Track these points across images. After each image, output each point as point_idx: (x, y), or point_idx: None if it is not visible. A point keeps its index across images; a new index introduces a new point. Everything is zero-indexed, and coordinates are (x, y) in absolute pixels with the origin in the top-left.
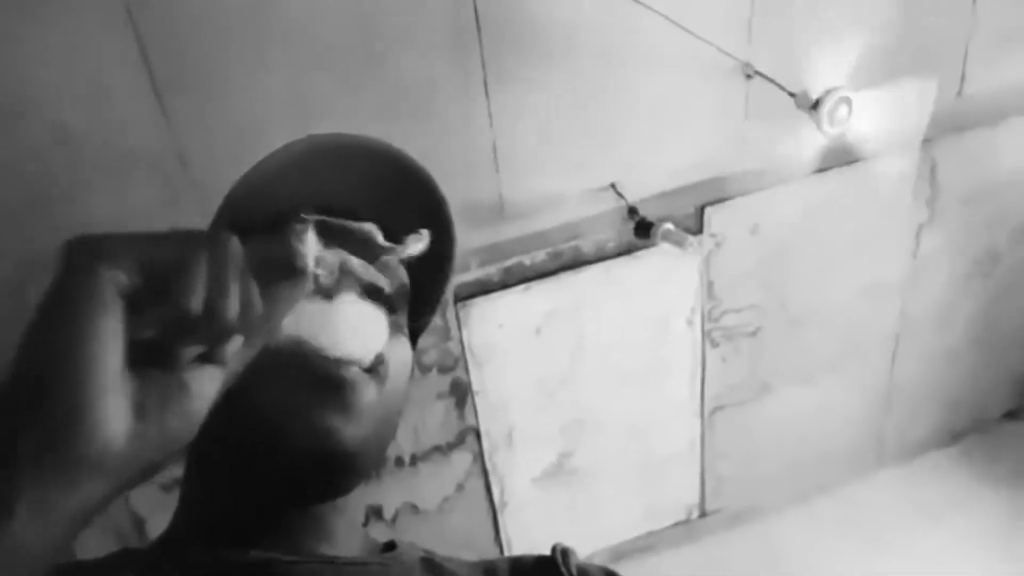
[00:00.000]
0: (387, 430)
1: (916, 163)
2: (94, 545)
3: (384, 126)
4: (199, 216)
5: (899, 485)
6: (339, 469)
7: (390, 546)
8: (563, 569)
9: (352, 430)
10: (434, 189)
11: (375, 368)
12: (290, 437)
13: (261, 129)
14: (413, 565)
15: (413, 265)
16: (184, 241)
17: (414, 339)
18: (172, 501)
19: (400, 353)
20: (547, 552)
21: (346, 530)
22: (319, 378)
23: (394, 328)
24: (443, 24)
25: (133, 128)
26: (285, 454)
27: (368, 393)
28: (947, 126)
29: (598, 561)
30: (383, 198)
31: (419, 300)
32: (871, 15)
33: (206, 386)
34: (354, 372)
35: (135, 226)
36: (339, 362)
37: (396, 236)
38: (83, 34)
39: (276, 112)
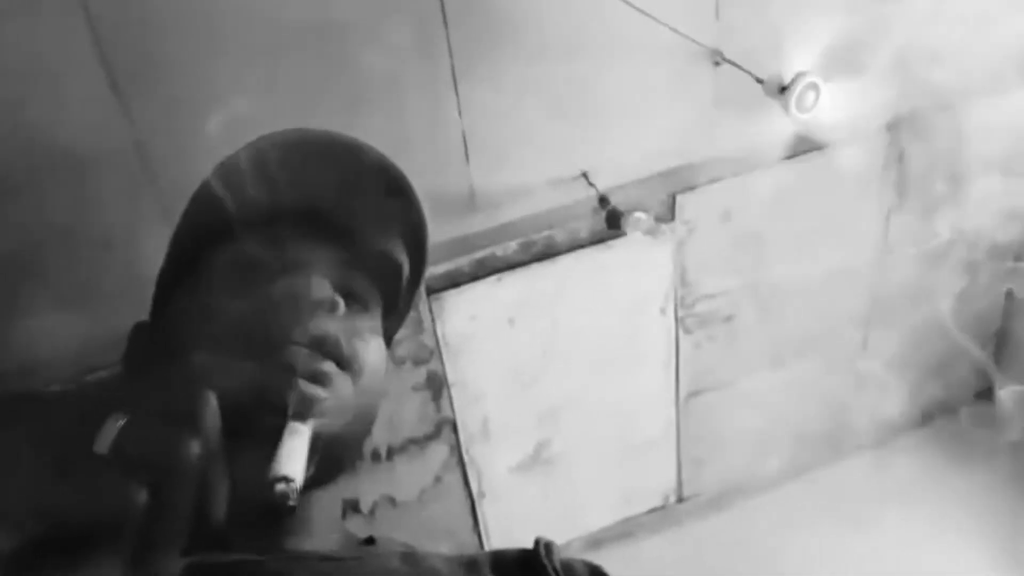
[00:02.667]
0: (362, 426)
1: (885, 148)
2: None
3: (351, 116)
4: (160, 211)
5: (873, 466)
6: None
7: (369, 541)
8: (546, 563)
9: (327, 422)
10: (405, 187)
11: (350, 364)
12: (263, 422)
13: (223, 122)
14: (390, 558)
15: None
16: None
17: (389, 338)
18: None
19: (374, 351)
20: (528, 544)
21: (323, 524)
22: (297, 370)
23: (368, 326)
24: (409, 11)
25: (90, 122)
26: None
27: (344, 388)
28: (915, 110)
29: (576, 548)
30: (355, 196)
31: (391, 299)
32: (838, 1)
33: None
34: (329, 366)
35: (95, 221)
36: (315, 355)
37: (364, 231)
38: (37, 26)
39: (235, 103)
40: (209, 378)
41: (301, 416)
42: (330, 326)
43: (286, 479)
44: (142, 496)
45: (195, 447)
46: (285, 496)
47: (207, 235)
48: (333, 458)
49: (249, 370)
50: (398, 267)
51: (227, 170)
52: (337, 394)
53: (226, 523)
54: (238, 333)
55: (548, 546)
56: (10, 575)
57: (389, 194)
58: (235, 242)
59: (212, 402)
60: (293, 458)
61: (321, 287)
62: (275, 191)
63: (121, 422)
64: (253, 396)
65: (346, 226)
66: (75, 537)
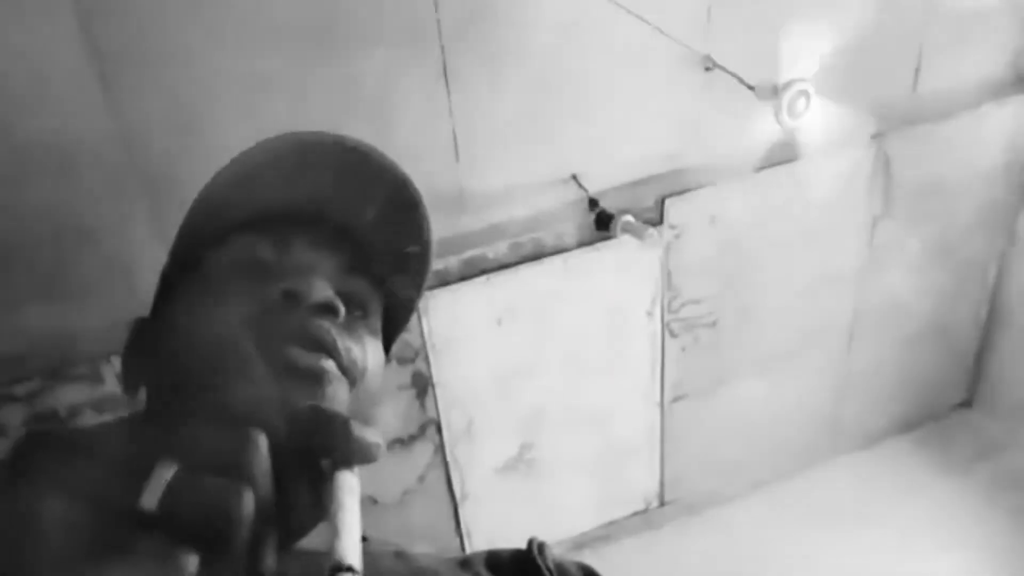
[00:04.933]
0: None
1: (871, 157)
2: None
3: (340, 114)
4: (146, 203)
5: (855, 473)
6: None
7: (362, 540)
8: (540, 563)
9: None
10: (416, 200)
11: (349, 370)
12: (264, 421)
13: (210, 115)
14: (382, 555)
15: (388, 261)
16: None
17: (390, 342)
18: None
19: (372, 356)
20: (514, 545)
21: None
22: (297, 367)
23: (368, 332)
24: (402, 10)
25: (76, 113)
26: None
27: (341, 392)
28: (902, 121)
29: (558, 552)
30: (364, 203)
31: (397, 297)
32: (828, 10)
33: None
34: (331, 367)
35: (80, 212)
36: (317, 355)
37: (368, 232)
38: (23, 15)
39: (225, 98)
40: (254, 414)
41: (350, 462)
42: (331, 329)
43: (351, 569)
44: (193, 564)
45: (250, 502)
46: None
47: (213, 232)
48: None
49: (284, 402)
50: (402, 276)
51: (237, 167)
52: (334, 400)
53: None
54: (234, 336)
55: (541, 546)
56: None
57: (399, 205)
58: (240, 241)
59: (263, 445)
60: (353, 535)
61: (323, 289)
62: (284, 192)
63: (171, 471)
64: (299, 434)
65: (352, 232)
66: None
